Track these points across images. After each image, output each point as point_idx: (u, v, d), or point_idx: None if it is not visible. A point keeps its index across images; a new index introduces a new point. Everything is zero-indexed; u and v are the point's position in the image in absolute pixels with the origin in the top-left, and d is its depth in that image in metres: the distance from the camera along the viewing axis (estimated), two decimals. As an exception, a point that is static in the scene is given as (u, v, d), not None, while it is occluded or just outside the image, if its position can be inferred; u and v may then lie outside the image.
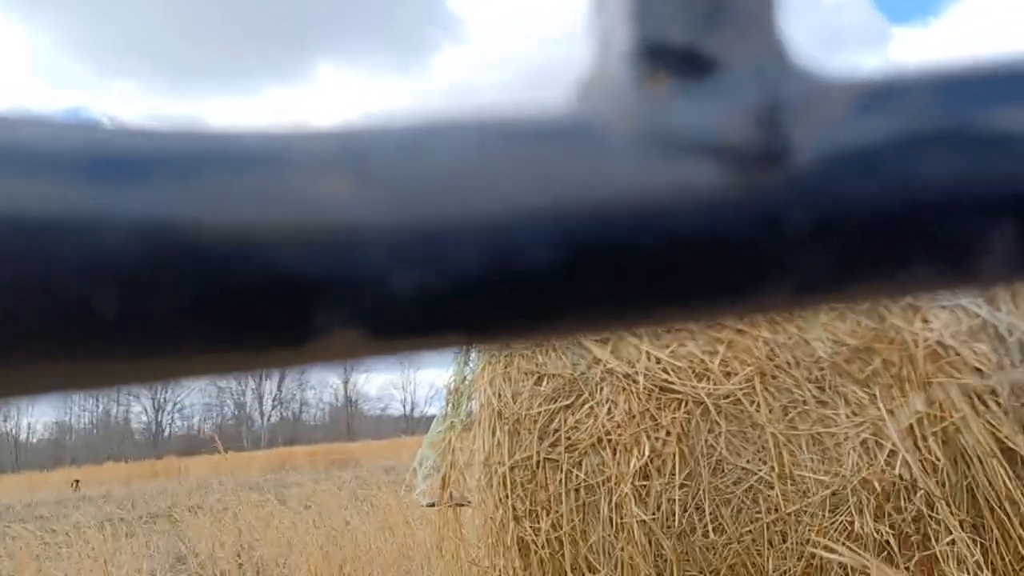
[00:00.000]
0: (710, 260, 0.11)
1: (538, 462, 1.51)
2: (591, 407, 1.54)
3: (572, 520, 1.46)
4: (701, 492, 1.44)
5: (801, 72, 0.12)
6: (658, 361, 1.57)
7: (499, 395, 1.59)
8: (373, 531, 3.11)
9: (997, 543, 1.37)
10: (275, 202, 0.10)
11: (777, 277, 0.11)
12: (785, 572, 1.40)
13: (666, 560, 1.42)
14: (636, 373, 1.55)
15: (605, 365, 1.57)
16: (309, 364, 0.11)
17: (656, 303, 0.12)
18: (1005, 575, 1.35)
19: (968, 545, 1.35)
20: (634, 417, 1.50)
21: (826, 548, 1.31)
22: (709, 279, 0.11)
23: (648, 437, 1.48)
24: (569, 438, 1.52)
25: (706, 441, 1.47)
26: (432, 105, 0.11)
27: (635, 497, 1.45)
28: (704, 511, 1.43)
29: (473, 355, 1.73)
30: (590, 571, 1.45)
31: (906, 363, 1.49)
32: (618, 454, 1.48)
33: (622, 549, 1.43)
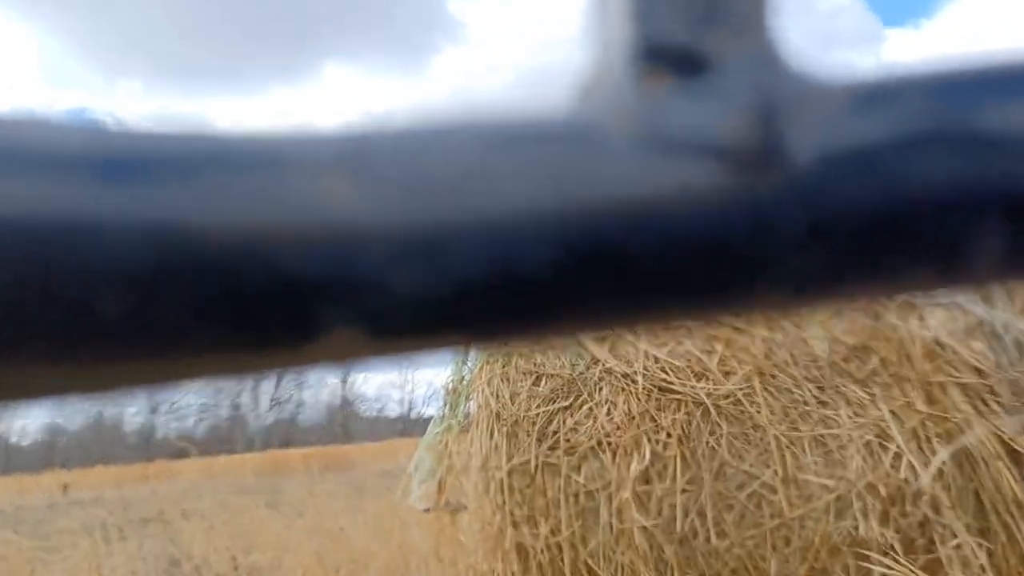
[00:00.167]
0: (707, 260, 0.11)
1: (536, 466, 1.51)
2: (590, 408, 1.54)
3: (571, 525, 1.46)
4: (703, 497, 1.43)
5: (796, 73, 0.12)
6: (656, 360, 1.57)
7: (497, 396, 1.59)
8: (369, 535, 3.10)
9: (1003, 546, 1.37)
10: (276, 203, 0.10)
11: (773, 277, 0.12)
12: (787, 576, 1.40)
13: (667, 565, 1.42)
14: (635, 373, 1.55)
15: (604, 365, 1.57)
16: (310, 365, 0.11)
17: (653, 303, 0.12)
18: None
19: (973, 548, 1.35)
20: (634, 418, 1.50)
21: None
22: (706, 279, 0.11)
23: (649, 439, 1.48)
24: (568, 440, 1.52)
25: (707, 444, 1.47)
26: (432, 106, 0.11)
27: (636, 502, 1.44)
28: (707, 516, 1.42)
29: (471, 355, 1.73)
30: (590, 576, 1.45)
31: (904, 361, 1.49)
32: (618, 458, 1.48)
33: (622, 554, 1.43)
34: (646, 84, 0.11)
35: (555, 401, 1.56)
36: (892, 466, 1.41)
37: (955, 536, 1.35)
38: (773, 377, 1.52)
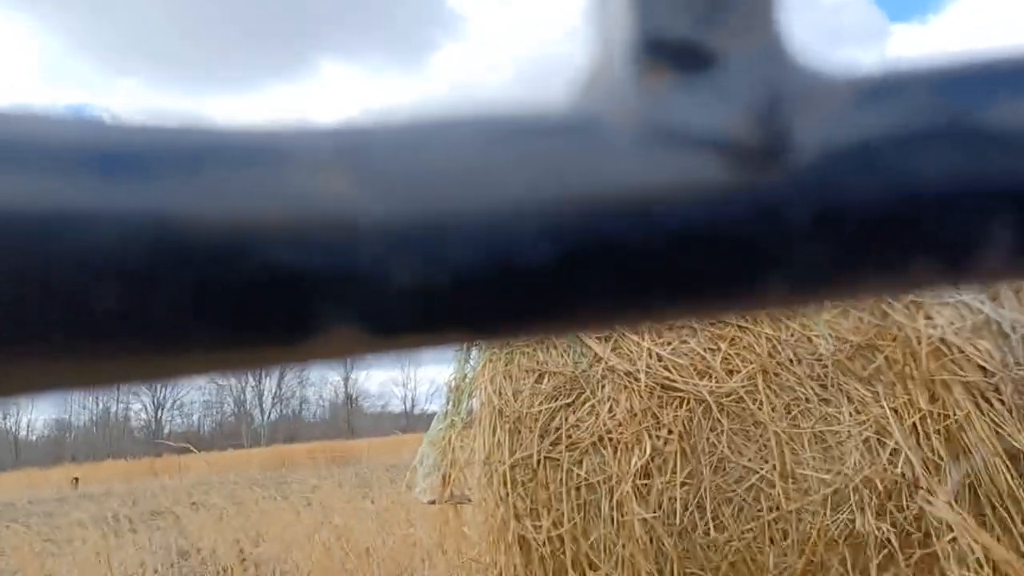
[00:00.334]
0: (710, 255, 0.11)
1: (539, 461, 1.51)
2: (592, 405, 1.54)
3: (573, 518, 1.47)
4: (703, 490, 1.44)
5: (801, 67, 0.12)
6: (659, 359, 1.57)
7: (500, 393, 1.59)
8: (374, 527, 3.11)
9: (999, 540, 1.37)
10: (274, 198, 0.10)
11: (778, 271, 0.11)
12: (785, 569, 1.40)
13: (667, 557, 1.43)
14: (637, 371, 1.55)
15: (606, 363, 1.57)
16: (308, 361, 0.11)
17: (656, 298, 0.12)
18: (1006, 573, 1.35)
19: (970, 543, 1.35)
20: (635, 415, 1.50)
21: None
22: (709, 274, 0.11)
23: (649, 435, 1.48)
24: (570, 436, 1.52)
25: (708, 439, 1.47)
26: (432, 101, 0.11)
27: (636, 495, 1.44)
28: (706, 509, 1.43)
29: (474, 352, 1.73)
30: (591, 568, 1.45)
31: (909, 360, 1.49)
32: (619, 452, 1.48)
33: (623, 547, 1.43)
34: (648, 79, 0.11)
35: (557, 398, 1.56)
36: (890, 461, 1.41)
37: (951, 530, 1.35)
38: (776, 375, 1.52)
